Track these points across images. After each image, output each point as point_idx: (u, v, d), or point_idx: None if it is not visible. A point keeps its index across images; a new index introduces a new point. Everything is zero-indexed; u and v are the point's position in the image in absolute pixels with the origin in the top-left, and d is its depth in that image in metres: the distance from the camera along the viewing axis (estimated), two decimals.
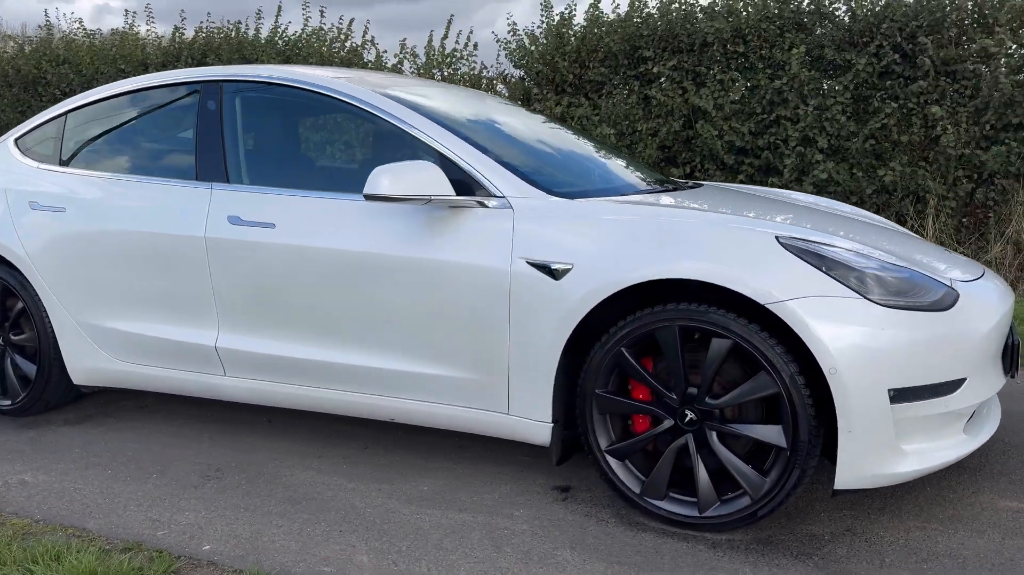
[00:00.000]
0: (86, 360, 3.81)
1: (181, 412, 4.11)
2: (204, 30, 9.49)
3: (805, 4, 7.35)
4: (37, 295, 3.86)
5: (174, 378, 3.65)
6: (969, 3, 6.76)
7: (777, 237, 2.68)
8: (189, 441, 3.72)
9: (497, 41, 8.62)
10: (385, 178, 2.92)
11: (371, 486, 3.20)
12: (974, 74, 6.69)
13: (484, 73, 8.70)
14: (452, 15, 8.74)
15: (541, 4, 8.44)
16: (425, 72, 8.69)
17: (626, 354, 2.78)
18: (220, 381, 3.54)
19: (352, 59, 8.99)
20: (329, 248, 3.20)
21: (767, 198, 3.96)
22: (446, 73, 8.65)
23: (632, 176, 3.87)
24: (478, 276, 2.95)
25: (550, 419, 2.93)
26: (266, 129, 3.75)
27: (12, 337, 4.02)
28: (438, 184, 2.96)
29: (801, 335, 2.52)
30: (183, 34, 9.58)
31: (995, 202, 6.86)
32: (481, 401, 3.05)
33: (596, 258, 2.80)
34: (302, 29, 9.23)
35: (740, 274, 2.59)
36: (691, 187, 3.87)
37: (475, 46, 8.74)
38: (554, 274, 2.84)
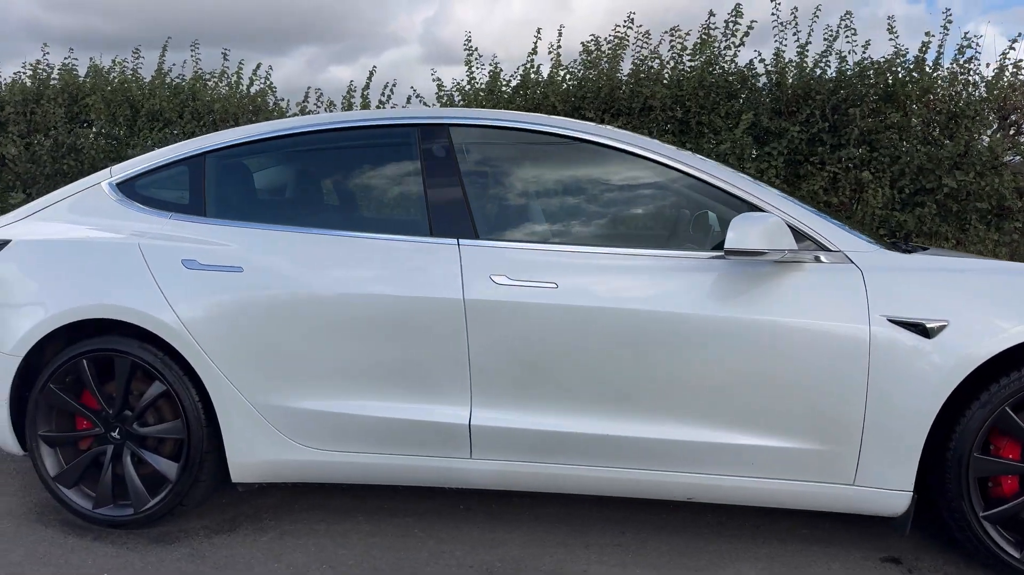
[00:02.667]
0: (261, 451, 3.19)
1: (352, 507, 3.54)
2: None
3: (730, 76, 7.81)
4: (193, 373, 3.17)
5: (397, 466, 3.16)
6: (880, 80, 7.50)
7: None
8: (405, 542, 3.21)
9: (416, 96, 8.37)
10: (751, 230, 2.75)
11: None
12: (891, 143, 7.43)
13: None
14: (375, 66, 8.36)
15: (465, 61, 8.31)
16: None
17: (1010, 412, 2.78)
18: (464, 465, 3.10)
19: (258, 105, 8.32)
20: (619, 309, 2.95)
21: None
22: None
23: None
24: (824, 337, 2.84)
25: (911, 488, 2.84)
26: (522, 180, 3.39)
27: (138, 429, 3.26)
28: (785, 237, 2.82)
29: None
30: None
31: None
32: (818, 473, 2.91)
33: (972, 314, 2.79)
34: (195, 72, 8.42)
35: None
36: (924, 248, 3.74)
37: (389, 97, 8.42)
38: (927, 332, 2.78)
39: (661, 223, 3.36)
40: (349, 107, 8.35)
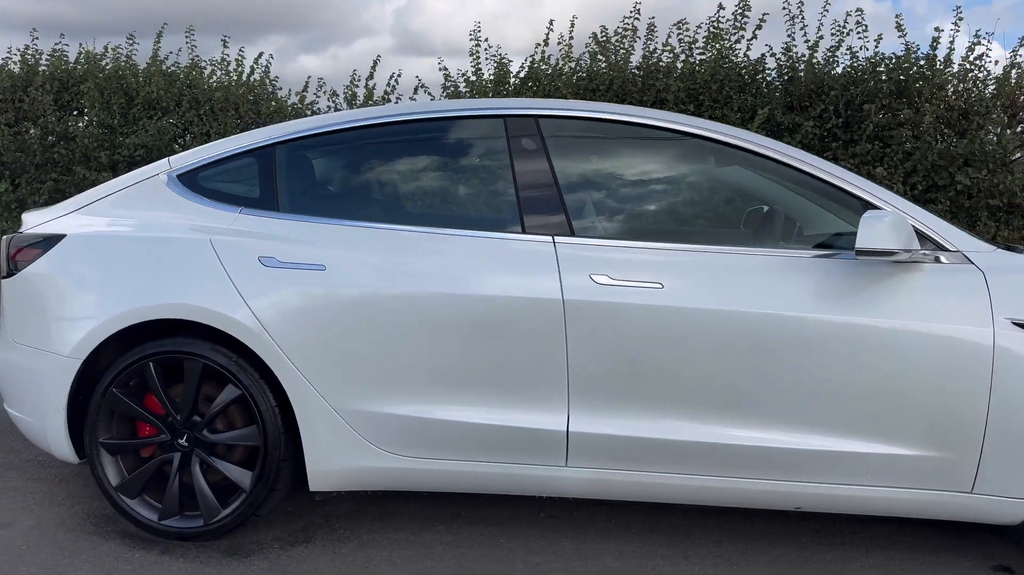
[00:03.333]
0: (343, 458, 3.03)
1: (426, 514, 3.40)
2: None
3: (742, 70, 7.75)
4: (270, 377, 3.01)
5: (487, 473, 3.02)
6: (893, 76, 7.49)
7: None
8: (495, 553, 3.08)
9: (422, 86, 8.21)
10: (882, 230, 2.67)
11: None
12: (904, 139, 7.44)
13: None
14: (379, 55, 8.18)
15: (470, 52, 8.16)
16: None
17: None
18: (559, 473, 2.98)
19: (258, 94, 8.09)
20: (728, 311, 2.84)
21: None
22: None
23: None
24: (945, 340, 2.76)
25: None
26: (616, 174, 3.26)
27: (209, 435, 3.08)
28: (912, 237, 2.73)
29: None
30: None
31: None
32: (935, 480, 2.83)
33: None
34: (191, 59, 8.15)
35: None
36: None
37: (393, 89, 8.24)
38: None
39: (765, 221, 3.26)
40: (352, 98, 8.14)
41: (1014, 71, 7.48)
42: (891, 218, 2.70)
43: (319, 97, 8.38)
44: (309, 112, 8.38)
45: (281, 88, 8.49)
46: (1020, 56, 7.49)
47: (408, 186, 3.39)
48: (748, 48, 7.84)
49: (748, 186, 3.25)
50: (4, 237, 3.37)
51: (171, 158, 3.39)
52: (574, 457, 2.95)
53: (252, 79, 8.23)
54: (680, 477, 2.93)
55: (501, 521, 3.32)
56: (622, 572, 2.93)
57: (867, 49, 7.63)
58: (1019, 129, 7.78)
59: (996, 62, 7.90)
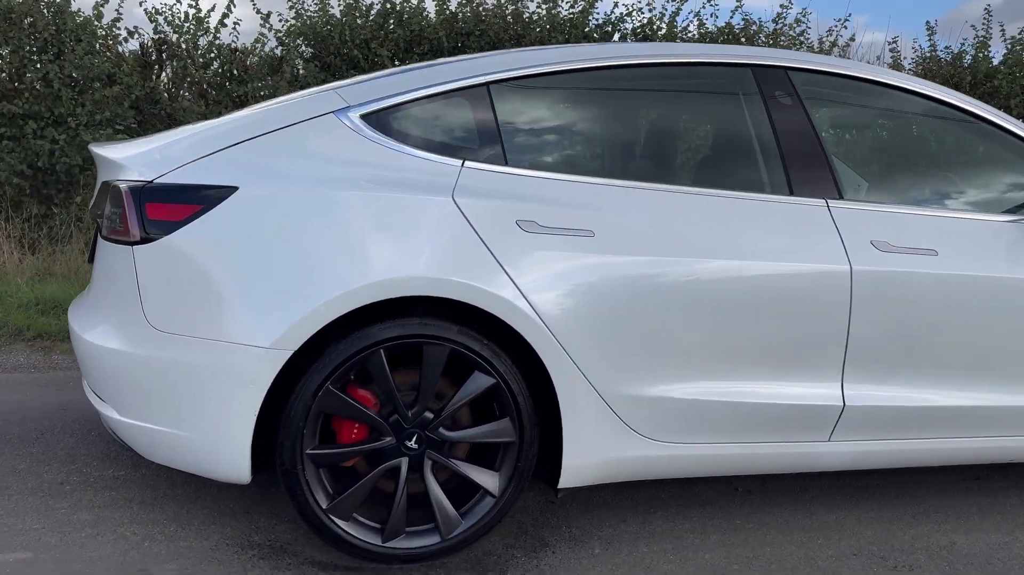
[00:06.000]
0: (601, 448, 2.67)
1: (644, 501, 3.10)
2: None
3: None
4: (523, 362, 2.56)
5: (749, 455, 2.83)
6: None
7: None
8: (761, 535, 2.91)
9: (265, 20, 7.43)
10: None
11: None
12: None
13: None
14: None
15: None
16: None
17: None
18: (821, 448, 2.87)
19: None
20: (996, 278, 2.88)
21: None
22: None
23: None
24: None
25: None
26: (874, 136, 3.07)
27: (446, 434, 2.56)
28: None
29: None
30: None
31: None
32: None
33: None
34: None
35: None
36: None
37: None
38: None
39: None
40: None
41: None
42: None
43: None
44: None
45: None
46: None
47: (658, 139, 2.98)
48: None
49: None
50: (123, 186, 2.48)
51: (339, 90, 2.69)
52: (840, 431, 2.84)
53: None
54: (942, 441, 2.96)
55: (720, 504, 3.12)
56: (890, 534, 2.88)
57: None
58: None
59: None
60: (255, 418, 2.41)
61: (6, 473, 3.09)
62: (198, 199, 2.43)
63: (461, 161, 2.60)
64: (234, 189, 2.43)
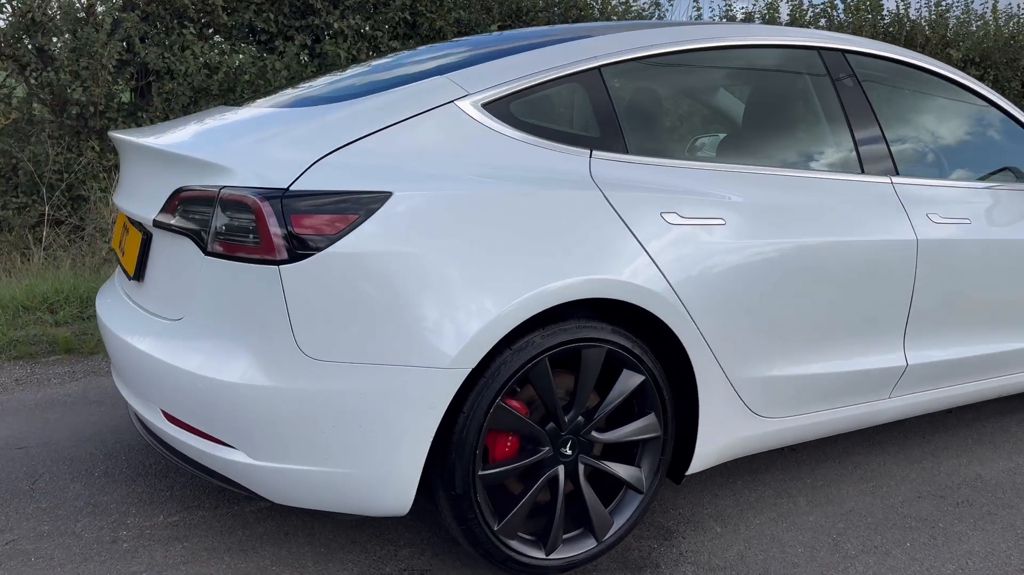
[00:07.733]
0: (725, 432, 2.74)
1: (746, 484, 3.17)
2: None
3: None
4: (666, 355, 2.56)
5: (834, 419, 3.02)
6: None
7: None
8: (870, 502, 3.08)
9: None
10: None
11: None
12: None
13: None
14: None
15: None
16: None
17: None
18: (881, 406, 3.13)
19: None
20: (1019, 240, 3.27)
21: None
22: None
23: None
24: None
25: None
26: (912, 115, 3.27)
27: (598, 436, 2.51)
28: None
29: None
30: None
31: None
32: None
33: None
34: None
35: None
36: None
37: None
38: None
39: None
40: None
41: None
42: None
43: None
44: None
45: None
46: None
47: (770, 123, 3.00)
48: None
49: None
50: (251, 195, 2.13)
51: (455, 78, 2.47)
52: (899, 387, 3.09)
53: None
54: (970, 384, 3.34)
55: (802, 477, 3.27)
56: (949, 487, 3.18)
57: None
58: None
59: None
60: (429, 445, 2.21)
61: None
62: (354, 207, 2.15)
63: (589, 151, 2.50)
64: (388, 195, 2.18)
